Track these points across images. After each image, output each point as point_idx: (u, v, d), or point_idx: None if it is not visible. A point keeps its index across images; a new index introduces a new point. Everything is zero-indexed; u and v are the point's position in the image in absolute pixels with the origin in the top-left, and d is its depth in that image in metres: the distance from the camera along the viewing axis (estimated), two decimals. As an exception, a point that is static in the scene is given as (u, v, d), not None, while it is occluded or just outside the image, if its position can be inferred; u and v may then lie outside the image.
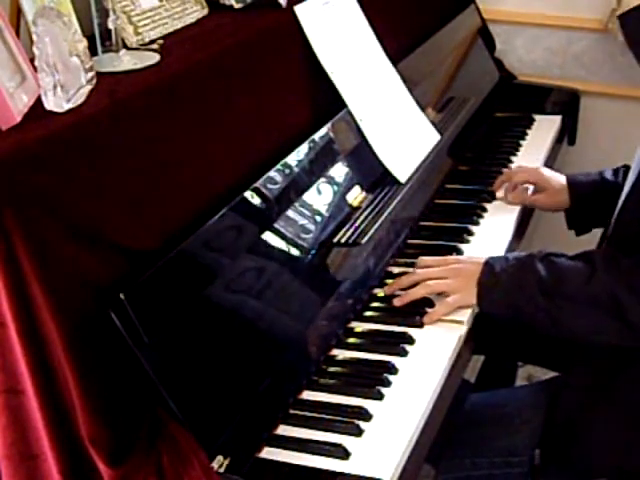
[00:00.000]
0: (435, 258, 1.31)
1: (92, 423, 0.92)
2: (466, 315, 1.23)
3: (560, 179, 1.57)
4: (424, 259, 1.32)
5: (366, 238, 1.31)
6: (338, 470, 0.98)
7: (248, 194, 1.15)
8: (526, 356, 1.65)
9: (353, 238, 1.30)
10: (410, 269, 1.38)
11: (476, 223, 1.52)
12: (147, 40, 1.27)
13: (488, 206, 1.59)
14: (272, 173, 1.21)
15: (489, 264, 1.21)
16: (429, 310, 1.23)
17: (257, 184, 1.17)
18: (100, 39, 1.20)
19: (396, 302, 1.26)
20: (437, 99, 1.83)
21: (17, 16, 1.12)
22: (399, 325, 1.23)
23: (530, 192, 1.60)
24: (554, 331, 1.19)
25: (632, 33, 1.35)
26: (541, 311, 1.16)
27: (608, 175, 1.54)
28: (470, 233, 1.48)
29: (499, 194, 1.62)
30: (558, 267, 1.18)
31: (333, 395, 1.10)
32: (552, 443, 1.23)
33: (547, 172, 1.60)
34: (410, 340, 1.19)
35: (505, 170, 1.71)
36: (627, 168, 1.53)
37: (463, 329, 1.22)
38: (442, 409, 1.10)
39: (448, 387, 1.13)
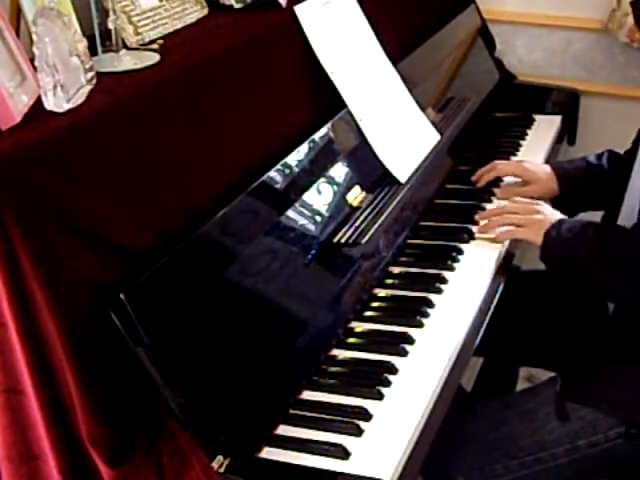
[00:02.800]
0: (522, 199, 1.50)
1: (92, 423, 0.92)
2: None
3: (544, 168, 1.62)
4: (513, 198, 1.53)
5: (366, 238, 1.31)
6: (338, 470, 0.98)
7: (248, 194, 1.15)
8: (526, 358, 1.65)
9: (353, 238, 1.30)
10: (410, 269, 1.39)
11: (476, 223, 1.52)
12: (147, 40, 1.27)
13: (488, 206, 1.59)
14: (272, 173, 1.21)
15: (560, 221, 1.37)
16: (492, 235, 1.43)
17: (257, 184, 1.17)
18: (100, 39, 1.20)
19: (478, 229, 1.46)
20: (437, 99, 1.83)
21: (17, 16, 1.12)
22: (399, 325, 1.23)
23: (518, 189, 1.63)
24: (595, 291, 1.38)
25: None
26: (585, 271, 1.30)
27: (593, 160, 1.61)
28: (470, 233, 1.48)
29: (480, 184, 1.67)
30: (605, 234, 1.32)
31: (333, 395, 1.10)
32: (573, 375, 1.30)
33: (530, 164, 1.65)
34: (410, 340, 1.19)
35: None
36: (610, 152, 1.60)
37: (463, 329, 1.22)
38: (442, 409, 1.10)
39: (448, 387, 1.13)
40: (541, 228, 1.36)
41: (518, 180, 1.64)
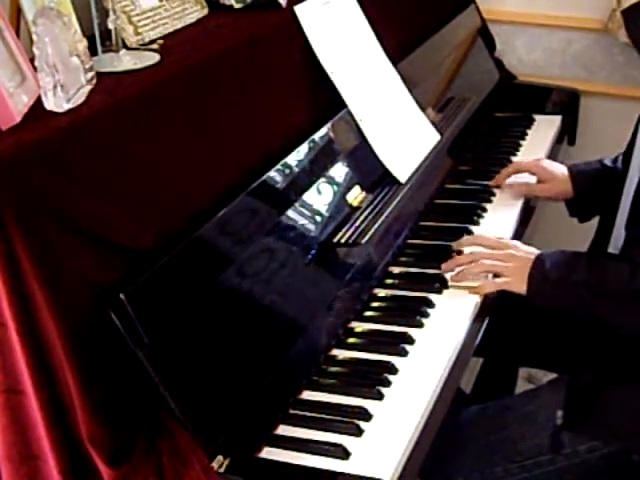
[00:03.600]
0: (493, 238, 1.38)
1: (92, 423, 0.92)
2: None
3: (561, 169, 1.61)
4: (482, 236, 1.41)
5: (366, 238, 1.31)
6: (338, 470, 0.98)
7: (248, 194, 1.15)
8: (525, 358, 1.65)
9: (353, 238, 1.30)
10: (410, 269, 1.39)
11: (476, 223, 1.53)
12: (147, 40, 1.27)
13: (488, 206, 1.59)
14: (272, 173, 1.21)
15: (540, 259, 1.28)
16: (474, 284, 1.31)
17: (257, 184, 1.17)
18: (100, 39, 1.20)
19: (452, 278, 1.33)
20: (437, 99, 1.83)
21: (17, 16, 1.12)
22: (399, 325, 1.23)
23: (533, 183, 1.64)
24: (601, 327, 1.25)
25: (636, 28, 1.35)
26: (587, 308, 1.23)
27: (608, 162, 1.58)
28: (470, 233, 1.48)
29: (505, 185, 1.65)
30: (602, 266, 1.25)
31: (333, 395, 1.10)
32: (574, 405, 1.25)
33: (547, 163, 1.64)
34: (410, 340, 1.19)
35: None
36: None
37: (463, 329, 1.22)
38: (442, 409, 1.10)
39: (448, 387, 1.13)
40: (523, 273, 1.27)
41: (533, 178, 1.64)
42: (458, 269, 1.34)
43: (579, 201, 1.59)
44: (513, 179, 1.66)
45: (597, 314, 1.23)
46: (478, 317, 1.27)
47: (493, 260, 1.31)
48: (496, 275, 1.32)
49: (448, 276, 1.34)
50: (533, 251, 1.31)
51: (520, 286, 1.27)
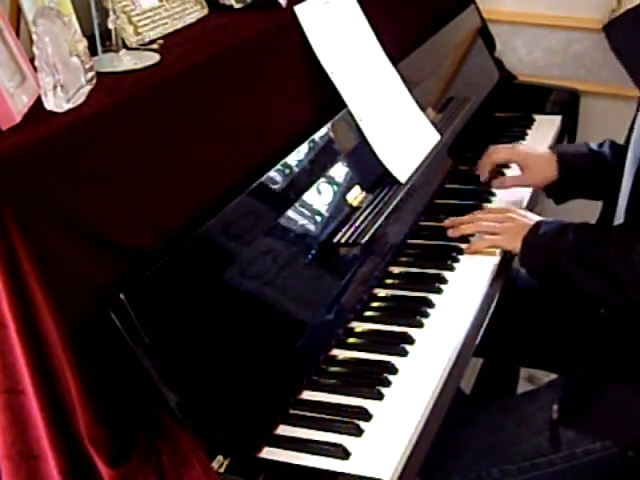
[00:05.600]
0: (494, 208, 1.48)
1: (92, 423, 0.92)
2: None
3: (543, 153, 1.60)
4: (486, 208, 1.50)
5: (366, 238, 1.31)
6: (338, 470, 0.98)
7: (248, 194, 1.15)
8: (526, 359, 1.65)
9: (353, 238, 1.30)
10: (410, 269, 1.39)
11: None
12: (147, 40, 1.27)
13: (488, 206, 1.59)
14: (272, 173, 1.21)
15: (537, 225, 1.33)
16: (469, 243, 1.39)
17: (257, 184, 1.17)
18: (100, 39, 1.20)
19: (449, 233, 1.42)
20: (437, 99, 1.83)
21: (17, 16, 1.12)
22: (399, 325, 1.23)
23: (517, 172, 1.63)
24: (586, 292, 1.29)
25: (620, 43, 1.33)
26: (565, 274, 1.28)
27: (594, 146, 1.58)
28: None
29: (482, 178, 1.65)
30: (585, 236, 1.29)
31: (333, 395, 1.10)
32: (570, 400, 1.26)
33: (527, 148, 1.64)
34: (410, 340, 1.19)
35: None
36: (611, 143, 1.58)
37: (463, 329, 1.22)
38: (442, 409, 1.10)
39: (448, 387, 1.13)
40: (518, 234, 1.34)
41: (514, 166, 1.64)
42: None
43: (563, 183, 1.57)
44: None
45: (576, 282, 1.27)
46: (478, 318, 1.27)
47: (493, 223, 1.39)
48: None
49: (449, 232, 1.43)
50: (533, 217, 1.37)
51: (514, 245, 1.34)
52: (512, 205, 1.59)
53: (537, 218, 1.36)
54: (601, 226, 1.46)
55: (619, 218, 1.35)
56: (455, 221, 1.44)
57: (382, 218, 1.37)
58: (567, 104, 2.10)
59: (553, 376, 1.47)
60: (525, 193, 1.65)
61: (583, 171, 1.56)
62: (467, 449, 1.28)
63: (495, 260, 1.40)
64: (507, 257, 1.44)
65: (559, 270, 1.28)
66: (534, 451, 1.24)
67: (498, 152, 1.64)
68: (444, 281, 1.34)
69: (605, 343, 1.31)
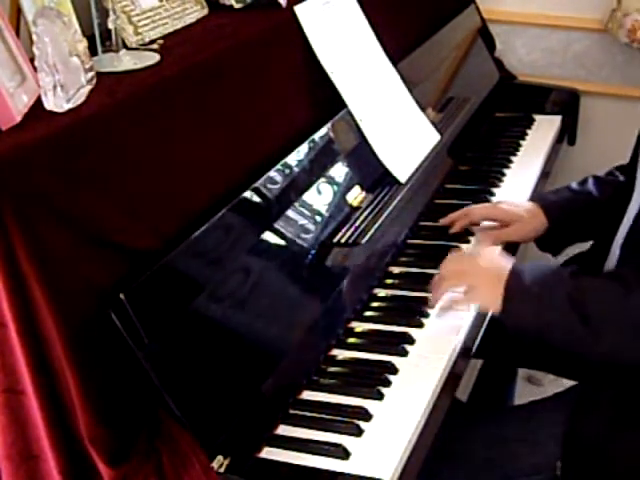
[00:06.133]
0: (461, 253, 1.31)
1: (92, 423, 0.92)
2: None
3: (525, 206, 1.46)
4: (451, 255, 1.31)
5: (366, 238, 1.31)
6: (338, 470, 0.98)
7: (248, 194, 1.15)
8: (525, 360, 1.65)
9: (353, 238, 1.30)
10: (410, 269, 1.39)
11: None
12: (147, 40, 1.27)
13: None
14: (272, 173, 1.21)
15: (517, 272, 1.15)
16: (447, 298, 1.23)
17: (257, 184, 1.17)
18: (100, 39, 1.20)
19: (430, 303, 1.26)
20: (437, 99, 1.83)
21: (17, 16, 1.12)
22: (399, 325, 1.23)
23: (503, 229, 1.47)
24: (582, 348, 1.13)
25: None
26: (572, 328, 1.11)
27: (576, 187, 1.48)
28: (470, 233, 1.48)
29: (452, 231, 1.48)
30: (590, 283, 1.14)
31: (333, 395, 1.10)
32: (574, 455, 1.19)
33: (506, 204, 1.48)
34: (410, 340, 1.19)
35: (489, 196, 1.64)
36: (595, 179, 1.48)
37: (463, 330, 1.22)
38: (442, 409, 1.10)
39: (448, 387, 1.13)
40: (496, 285, 1.14)
41: (495, 224, 1.47)
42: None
43: (552, 234, 1.44)
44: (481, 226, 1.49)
45: (581, 334, 1.10)
46: (479, 318, 1.27)
47: (460, 269, 1.23)
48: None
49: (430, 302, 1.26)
50: (506, 263, 1.18)
51: (493, 299, 1.14)
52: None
53: (510, 262, 1.18)
54: (592, 263, 1.36)
55: (616, 247, 1.28)
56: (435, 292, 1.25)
57: (382, 218, 1.37)
58: (567, 104, 2.10)
59: (552, 377, 1.45)
60: (526, 191, 1.66)
61: (573, 215, 1.44)
62: (464, 461, 1.25)
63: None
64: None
65: (560, 324, 1.12)
66: (532, 468, 1.21)
67: (475, 213, 1.47)
68: (444, 281, 1.34)
69: (610, 392, 1.21)
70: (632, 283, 1.10)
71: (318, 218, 1.27)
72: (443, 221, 1.49)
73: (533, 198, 1.49)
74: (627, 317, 1.09)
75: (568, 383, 1.33)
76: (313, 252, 1.23)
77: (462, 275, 1.22)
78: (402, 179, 1.49)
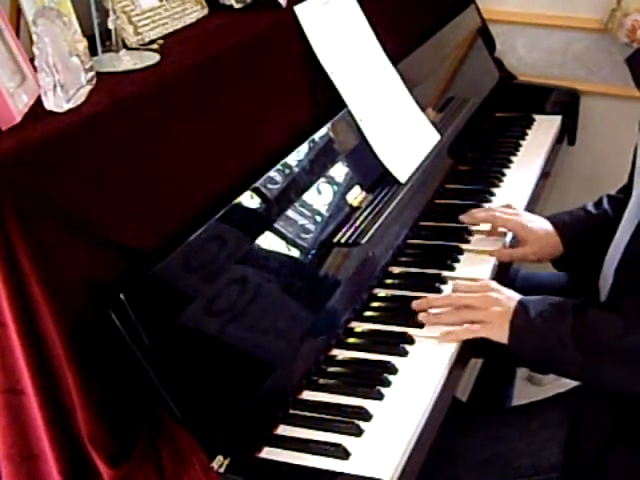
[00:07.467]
0: (471, 284, 1.28)
1: (92, 423, 0.92)
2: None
3: (544, 226, 1.45)
4: (460, 284, 1.29)
5: (366, 238, 1.31)
6: (338, 470, 0.98)
7: (248, 194, 1.15)
8: (526, 360, 1.64)
9: (353, 238, 1.30)
10: (410, 269, 1.39)
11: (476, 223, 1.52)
12: (147, 40, 1.27)
13: (488, 206, 1.59)
14: (272, 173, 1.21)
15: (523, 305, 1.19)
16: (450, 329, 1.21)
17: (257, 184, 1.17)
18: (100, 39, 1.21)
19: (421, 318, 1.23)
20: (437, 99, 1.83)
21: (17, 16, 1.12)
22: (399, 325, 1.23)
23: (508, 242, 1.48)
24: (586, 379, 1.21)
25: None
26: (574, 360, 1.16)
27: (592, 209, 1.48)
28: (470, 233, 1.48)
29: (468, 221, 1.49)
30: (592, 317, 1.17)
31: (333, 395, 1.10)
32: (575, 458, 1.20)
33: (529, 222, 1.45)
34: (410, 340, 1.19)
35: (485, 206, 1.58)
36: (609, 198, 1.49)
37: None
38: (442, 410, 1.10)
39: (448, 387, 1.13)
40: (502, 319, 1.18)
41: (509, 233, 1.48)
42: (433, 311, 1.24)
43: (571, 257, 1.45)
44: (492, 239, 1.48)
45: (586, 366, 1.16)
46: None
47: (475, 309, 1.22)
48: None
49: (421, 316, 1.23)
50: (513, 296, 1.22)
51: (500, 335, 1.19)
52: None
53: (517, 296, 1.22)
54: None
55: (608, 269, 1.29)
56: (425, 304, 1.25)
57: (382, 218, 1.37)
58: (567, 104, 2.10)
59: (552, 377, 1.45)
60: (526, 191, 1.66)
61: (589, 237, 1.44)
62: (462, 461, 1.25)
63: (495, 260, 1.41)
64: (506, 263, 1.44)
65: (562, 357, 1.16)
66: (532, 468, 1.21)
67: (501, 221, 1.46)
68: (444, 281, 1.34)
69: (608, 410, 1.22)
70: (633, 320, 1.14)
71: (318, 218, 1.27)
72: (466, 220, 1.49)
73: (550, 220, 1.47)
74: (625, 354, 1.15)
75: (568, 383, 1.32)
76: (313, 252, 1.23)
77: (472, 311, 1.22)
78: (402, 179, 1.49)
